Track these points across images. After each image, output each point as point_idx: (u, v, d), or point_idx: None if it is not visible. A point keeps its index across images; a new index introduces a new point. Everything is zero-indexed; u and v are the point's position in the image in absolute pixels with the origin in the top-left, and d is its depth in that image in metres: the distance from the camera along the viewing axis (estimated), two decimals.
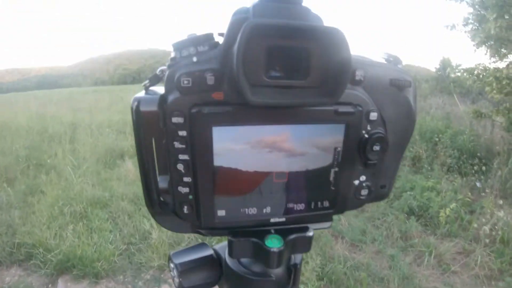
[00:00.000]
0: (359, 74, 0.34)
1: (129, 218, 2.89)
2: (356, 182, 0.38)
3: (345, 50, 0.29)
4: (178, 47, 0.32)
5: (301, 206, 0.37)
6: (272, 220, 0.37)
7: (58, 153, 4.45)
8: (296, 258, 0.42)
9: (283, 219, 0.37)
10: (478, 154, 4.16)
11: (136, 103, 0.32)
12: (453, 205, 2.96)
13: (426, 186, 3.44)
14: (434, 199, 3.17)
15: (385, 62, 0.36)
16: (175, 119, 0.31)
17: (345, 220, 2.91)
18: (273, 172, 0.35)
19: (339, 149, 0.35)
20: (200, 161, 0.33)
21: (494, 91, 4.15)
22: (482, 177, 3.77)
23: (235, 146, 0.33)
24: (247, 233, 0.37)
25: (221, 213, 0.35)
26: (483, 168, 3.87)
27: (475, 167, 3.93)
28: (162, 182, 0.35)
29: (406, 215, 3.06)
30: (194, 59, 0.31)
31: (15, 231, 2.65)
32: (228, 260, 0.42)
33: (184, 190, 0.34)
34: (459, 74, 5.43)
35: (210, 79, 0.31)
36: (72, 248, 2.41)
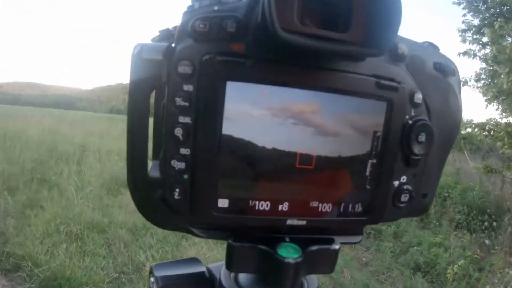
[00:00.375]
0: (401, 48, 0.29)
1: (125, 247, 2.84)
2: (396, 183, 0.31)
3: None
4: None
5: (327, 207, 0.29)
6: (289, 221, 0.29)
7: (63, 172, 4.47)
8: (311, 284, 0.34)
9: (303, 222, 0.29)
10: (488, 211, 4.10)
11: (138, 49, 0.27)
12: (461, 261, 2.86)
13: (433, 242, 3.37)
14: (442, 255, 3.09)
15: (425, 44, 0.32)
16: (181, 69, 0.25)
17: (348, 273, 2.81)
18: (297, 153, 0.27)
19: (379, 133, 0.29)
20: (205, 126, 0.26)
21: (506, 146, 4.20)
22: (492, 233, 3.69)
23: (252, 111, 0.26)
24: (254, 238, 0.29)
25: (223, 203, 0.28)
26: (493, 224, 3.79)
27: (485, 224, 3.86)
28: (154, 170, 0.29)
29: (412, 271, 2.97)
30: (215, 7, 0.26)
31: (7, 240, 2.62)
32: (223, 279, 0.34)
33: (179, 165, 0.27)
34: (469, 130, 5.46)
35: (231, 26, 0.26)
36: (61, 267, 2.36)
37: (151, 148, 0.31)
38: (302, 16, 0.25)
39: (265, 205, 0.28)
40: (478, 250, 3.27)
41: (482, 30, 5.17)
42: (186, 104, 0.26)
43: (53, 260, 2.44)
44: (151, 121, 0.29)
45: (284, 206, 0.29)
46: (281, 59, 0.26)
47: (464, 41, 5.47)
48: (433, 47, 0.32)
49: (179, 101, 0.26)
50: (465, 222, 3.98)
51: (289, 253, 0.29)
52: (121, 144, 7.12)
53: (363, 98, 0.28)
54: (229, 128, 0.26)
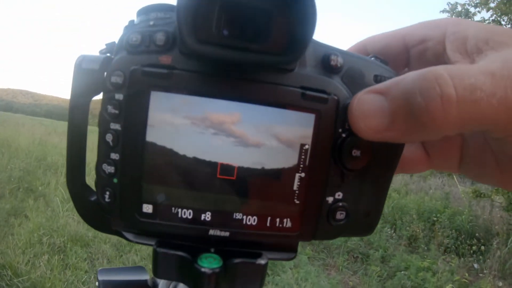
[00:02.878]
0: (335, 60, 0.28)
1: (108, 262, 2.80)
2: (330, 199, 0.29)
3: (311, 5, 0.24)
4: (140, 12, 0.29)
5: (252, 220, 0.29)
6: (211, 232, 0.28)
7: (51, 183, 4.41)
8: None
9: (226, 234, 0.29)
10: (477, 235, 4.12)
11: (80, 59, 0.28)
12: (449, 286, 2.87)
13: (421, 266, 3.36)
14: (430, 279, 3.07)
15: (371, 58, 0.31)
16: (114, 79, 0.27)
17: None
18: (218, 163, 0.27)
19: (307, 146, 0.28)
20: (131, 132, 0.27)
21: None
22: (480, 257, 3.69)
23: (174, 120, 0.27)
24: (178, 246, 0.29)
25: (147, 208, 0.28)
26: (482, 248, 3.80)
27: (473, 248, 3.86)
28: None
29: None
30: (151, 22, 0.28)
31: None
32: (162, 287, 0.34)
33: (109, 169, 0.28)
34: None
35: (160, 40, 0.27)
36: (42, 279, 2.32)
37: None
38: (220, 27, 0.25)
39: (187, 213, 0.28)
40: (467, 274, 3.27)
41: None
42: (116, 111, 0.27)
43: (33, 271, 2.40)
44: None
45: (207, 216, 0.28)
46: (206, 70, 0.27)
47: None
48: (380, 61, 0.30)
49: (110, 108, 0.27)
50: (453, 246, 3.98)
51: (209, 263, 0.28)
52: None
53: (288, 110, 0.28)
54: (152, 135, 0.27)
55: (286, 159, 0.28)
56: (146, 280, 0.38)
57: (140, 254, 2.95)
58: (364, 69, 0.29)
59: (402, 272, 3.27)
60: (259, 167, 0.28)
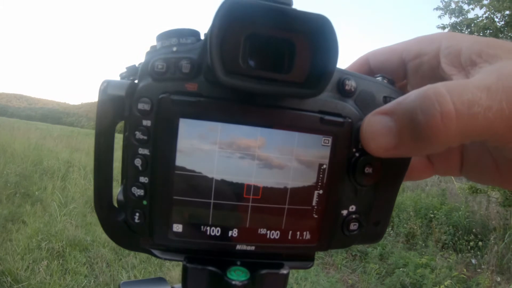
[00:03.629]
0: (349, 84, 0.31)
1: (107, 266, 2.80)
2: (345, 212, 0.32)
3: (333, 40, 0.26)
4: (161, 37, 0.30)
5: (275, 234, 0.31)
6: (238, 247, 0.31)
7: (48, 187, 4.40)
8: None
9: (252, 248, 0.31)
10: (474, 230, 4.14)
11: (104, 85, 0.29)
12: (447, 282, 2.88)
13: (420, 262, 3.38)
14: (428, 276, 3.09)
15: (379, 79, 0.33)
16: (141, 106, 0.28)
17: None
18: (244, 185, 0.30)
19: (324, 166, 0.31)
20: (160, 157, 0.29)
21: None
22: (478, 253, 3.72)
23: (203, 145, 0.29)
24: (206, 261, 0.31)
25: (177, 228, 0.30)
26: (479, 243, 3.82)
27: (471, 243, 3.88)
28: (120, 194, 0.31)
29: None
30: (174, 48, 0.29)
31: None
32: None
33: (139, 192, 0.29)
34: None
35: (185, 67, 0.28)
36: (42, 285, 2.31)
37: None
38: (246, 58, 0.27)
39: (215, 231, 0.30)
40: (465, 270, 3.29)
41: None
42: (145, 137, 0.28)
43: (33, 276, 2.39)
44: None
45: (234, 232, 0.31)
46: (231, 97, 0.29)
47: None
48: (387, 80, 0.33)
49: (138, 134, 0.28)
50: (451, 242, 4.01)
51: (237, 276, 0.30)
52: None
53: (308, 133, 0.30)
54: (182, 160, 0.29)
55: (306, 178, 0.31)
56: None
57: (139, 257, 2.94)
58: (374, 91, 0.32)
59: (401, 269, 3.29)
60: (282, 186, 0.30)
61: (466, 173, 0.34)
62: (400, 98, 0.26)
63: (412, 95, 0.24)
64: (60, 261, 2.70)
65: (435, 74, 0.29)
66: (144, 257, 2.93)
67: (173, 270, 2.77)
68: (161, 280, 0.40)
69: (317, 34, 0.26)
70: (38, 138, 8.82)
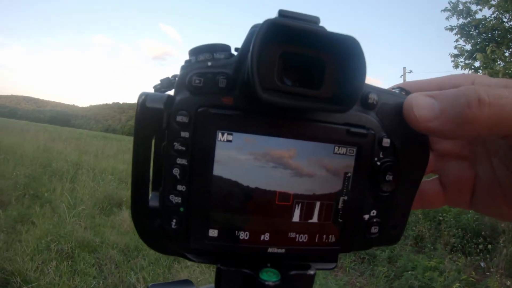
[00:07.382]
0: (372, 98, 0.33)
1: (116, 268, 2.81)
2: (366, 216, 0.35)
3: (361, 60, 0.28)
4: (195, 52, 0.32)
5: (304, 238, 0.34)
6: (270, 250, 0.33)
7: (57, 189, 4.45)
8: None
9: (282, 250, 0.33)
10: (483, 233, 4.11)
11: (143, 97, 0.30)
12: (456, 285, 2.86)
13: (428, 265, 3.36)
14: (437, 279, 3.07)
15: (397, 90, 0.36)
16: (179, 118, 0.30)
17: None
18: (277, 192, 0.32)
19: (349, 174, 0.33)
20: (198, 167, 0.30)
21: None
22: (487, 256, 3.68)
23: (239, 156, 0.31)
24: (240, 263, 0.33)
25: (213, 233, 0.32)
26: (488, 246, 3.79)
27: (480, 246, 3.86)
28: (153, 200, 0.33)
29: None
30: (209, 63, 0.31)
31: None
32: None
33: (176, 200, 0.31)
34: None
35: (222, 82, 0.30)
36: (51, 286, 2.33)
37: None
38: (281, 75, 0.29)
39: (249, 235, 0.33)
40: (473, 273, 3.26)
41: (474, 55, 5.32)
42: (183, 148, 0.30)
43: (42, 277, 2.40)
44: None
45: (266, 237, 0.33)
46: (264, 111, 0.30)
47: (456, 66, 5.60)
48: (405, 93, 0.35)
49: (177, 145, 0.30)
50: (460, 245, 3.98)
51: (269, 277, 0.33)
52: (116, 164, 7.10)
53: (335, 144, 0.32)
54: (219, 169, 0.31)
55: (333, 185, 0.33)
56: None
57: (148, 259, 2.95)
58: (393, 102, 0.34)
59: (409, 272, 3.27)
60: (311, 193, 0.33)
61: (475, 205, 0.37)
62: (443, 90, 0.30)
63: (452, 89, 0.29)
64: (69, 262, 2.72)
65: None
66: (152, 259, 2.94)
67: (182, 272, 2.78)
68: (187, 282, 0.41)
69: (346, 54, 0.29)
70: (47, 140, 8.94)
